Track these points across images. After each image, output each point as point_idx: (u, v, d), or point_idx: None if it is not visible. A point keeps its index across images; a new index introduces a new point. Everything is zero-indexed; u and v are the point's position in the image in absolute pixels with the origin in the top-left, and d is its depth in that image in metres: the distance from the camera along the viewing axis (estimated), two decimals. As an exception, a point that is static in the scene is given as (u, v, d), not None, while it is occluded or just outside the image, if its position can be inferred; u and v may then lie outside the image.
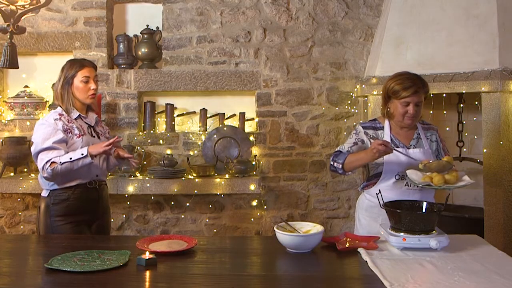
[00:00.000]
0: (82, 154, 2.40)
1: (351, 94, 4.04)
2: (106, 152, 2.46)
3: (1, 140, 3.86)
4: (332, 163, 2.54)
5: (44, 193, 2.60)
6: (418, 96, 2.43)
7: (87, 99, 2.63)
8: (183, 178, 3.78)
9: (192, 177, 3.80)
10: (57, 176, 2.45)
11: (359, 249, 2.06)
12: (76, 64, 2.62)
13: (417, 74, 2.52)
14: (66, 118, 2.55)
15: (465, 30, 3.47)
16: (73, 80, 2.59)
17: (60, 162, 2.40)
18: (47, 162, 2.42)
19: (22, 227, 4.07)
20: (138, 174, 3.85)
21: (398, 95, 2.44)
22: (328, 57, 4.06)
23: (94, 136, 2.63)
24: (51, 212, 2.54)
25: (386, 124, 2.55)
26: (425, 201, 2.24)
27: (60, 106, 2.61)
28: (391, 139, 2.50)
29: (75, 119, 2.60)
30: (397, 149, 2.41)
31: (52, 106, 4.02)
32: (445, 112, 4.01)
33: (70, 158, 2.40)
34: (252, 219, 4.07)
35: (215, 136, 4.00)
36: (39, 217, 2.59)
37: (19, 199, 4.06)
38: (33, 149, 2.50)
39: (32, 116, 4.01)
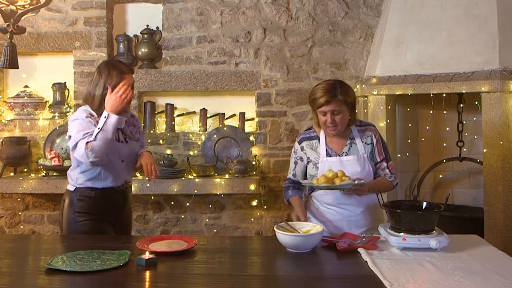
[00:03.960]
0: (105, 117, 2.33)
1: (351, 94, 4.04)
2: (123, 103, 2.36)
3: (1, 140, 3.86)
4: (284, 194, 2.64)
5: (71, 188, 2.54)
6: (333, 105, 2.35)
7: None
8: (183, 178, 3.78)
9: (192, 177, 3.80)
10: (99, 152, 2.34)
11: (359, 249, 2.06)
12: (116, 71, 2.48)
13: (341, 80, 2.46)
14: (96, 120, 2.46)
15: (465, 30, 3.47)
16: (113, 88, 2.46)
17: (94, 138, 2.31)
18: (85, 146, 2.32)
19: (22, 227, 4.07)
20: (138, 174, 3.84)
21: (314, 104, 2.42)
22: (328, 57, 4.06)
23: (121, 142, 2.53)
24: (74, 208, 2.49)
25: (322, 134, 2.52)
26: (425, 201, 2.24)
27: (90, 107, 2.51)
28: (325, 150, 2.48)
29: None
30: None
31: (52, 107, 4.02)
32: (445, 112, 4.01)
33: (99, 128, 2.32)
34: (252, 219, 4.07)
35: (215, 136, 4.00)
36: (62, 210, 2.53)
37: (19, 199, 4.06)
38: (70, 143, 2.41)
39: (32, 116, 4.01)
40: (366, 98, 3.86)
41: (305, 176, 2.58)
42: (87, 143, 2.33)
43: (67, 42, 4.04)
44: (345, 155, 2.46)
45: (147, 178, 2.59)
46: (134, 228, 4.04)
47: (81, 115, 2.45)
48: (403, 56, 3.65)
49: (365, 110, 3.88)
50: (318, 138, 2.52)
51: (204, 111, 4.05)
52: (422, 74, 3.55)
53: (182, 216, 4.06)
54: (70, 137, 2.43)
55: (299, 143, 2.57)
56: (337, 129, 2.41)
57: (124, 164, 2.58)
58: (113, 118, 2.36)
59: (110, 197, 2.54)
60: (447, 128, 4.11)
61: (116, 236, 2.50)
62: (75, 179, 2.52)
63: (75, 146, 2.38)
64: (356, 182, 2.27)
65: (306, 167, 2.56)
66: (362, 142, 2.48)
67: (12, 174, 3.93)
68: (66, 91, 4.05)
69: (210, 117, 4.10)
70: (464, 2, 3.50)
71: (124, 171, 2.60)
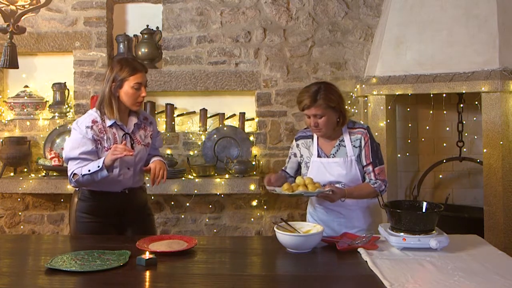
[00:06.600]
0: (98, 167, 2.30)
1: (351, 94, 4.04)
2: (119, 158, 2.32)
3: (1, 140, 3.86)
4: None
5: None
6: (314, 109, 2.35)
7: (134, 105, 2.47)
8: (183, 178, 3.78)
9: (192, 177, 3.80)
10: (83, 185, 2.42)
11: (359, 249, 2.06)
12: (128, 67, 2.41)
13: (327, 83, 2.44)
14: (98, 127, 2.41)
15: (465, 30, 3.47)
16: (124, 84, 2.40)
17: (81, 175, 2.33)
18: (71, 173, 2.36)
19: (22, 227, 4.07)
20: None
21: (299, 107, 2.43)
22: (328, 57, 4.06)
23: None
24: (77, 207, 2.48)
25: (315, 135, 2.53)
26: (425, 201, 2.24)
27: (99, 109, 2.45)
28: (317, 150, 2.49)
29: (109, 126, 2.44)
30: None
31: (52, 107, 4.02)
32: (445, 112, 4.01)
33: (89, 171, 2.32)
34: (252, 219, 4.07)
35: (215, 136, 4.00)
36: (71, 208, 2.54)
37: (19, 199, 4.06)
38: (63, 154, 2.46)
39: (32, 116, 4.01)
40: (366, 98, 3.86)
41: (296, 173, 2.63)
42: (74, 173, 2.36)
43: (67, 42, 4.04)
44: (332, 157, 2.46)
45: (151, 182, 2.49)
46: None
47: (81, 126, 2.40)
48: (403, 56, 3.65)
49: (365, 110, 3.88)
50: (312, 137, 2.54)
51: (204, 111, 4.05)
52: (422, 74, 3.56)
53: (182, 216, 4.06)
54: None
55: (296, 140, 2.62)
56: (322, 131, 2.42)
57: (131, 172, 2.51)
58: (104, 173, 2.33)
59: (108, 200, 2.48)
60: (447, 128, 4.11)
61: (116, 236, 2.49)
62: None
63: (66, 161, 2.43)
64: (317, 190, 2.27)
65: (299, 164, 2.59)
66: (351, 144, 2.45)
67: (12, 174, 3.92)
68: (66, 91, 4.05)
69: (210, 117, 4.10)
70: (464, 2, 3.50)
71: (128, 179, 2.50)
